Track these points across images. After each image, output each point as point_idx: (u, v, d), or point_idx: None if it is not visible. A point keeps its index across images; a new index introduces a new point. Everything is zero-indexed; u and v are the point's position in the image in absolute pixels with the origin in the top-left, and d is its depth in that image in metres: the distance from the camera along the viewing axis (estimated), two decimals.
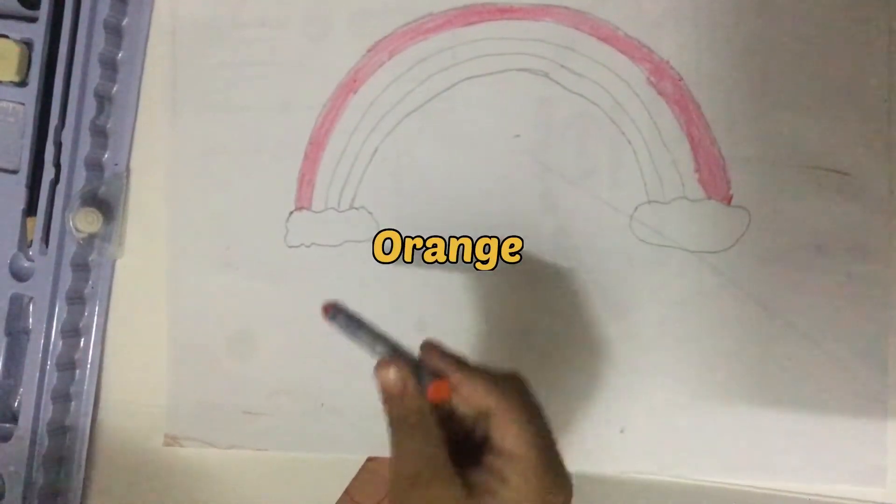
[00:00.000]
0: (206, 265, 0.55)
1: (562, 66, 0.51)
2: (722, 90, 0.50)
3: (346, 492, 0.54)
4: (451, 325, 0.52)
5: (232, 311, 0.55)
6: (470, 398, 0.37)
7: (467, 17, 0.52)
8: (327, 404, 0.53)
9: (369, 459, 0.53)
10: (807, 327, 0.49)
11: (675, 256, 0.50)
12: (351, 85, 0.53)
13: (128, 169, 0.57)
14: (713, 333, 0.50)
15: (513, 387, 0.38)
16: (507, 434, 0.36)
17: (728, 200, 0.49)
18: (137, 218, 0.57)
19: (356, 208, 0.53)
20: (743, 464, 0.49)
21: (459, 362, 0.38)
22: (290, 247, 0.54)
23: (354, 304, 0.49)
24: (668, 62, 0.50)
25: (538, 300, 0.51)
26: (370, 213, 0.53)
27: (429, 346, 0.39)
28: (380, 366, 0.38)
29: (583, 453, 0.51)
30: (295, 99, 0.54)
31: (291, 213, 0.54)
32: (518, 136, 0.51)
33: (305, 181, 0.54)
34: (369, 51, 0.53)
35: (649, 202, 0.50)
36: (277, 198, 0.54)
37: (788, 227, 0.49)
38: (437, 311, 0.52)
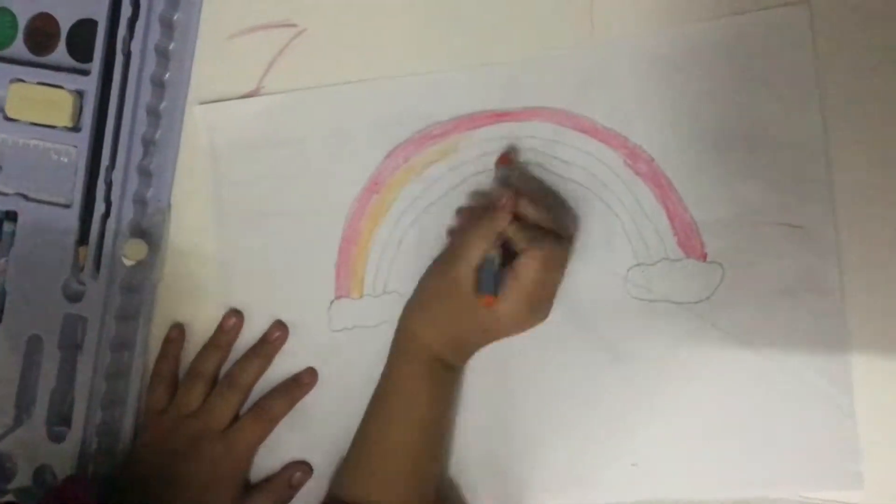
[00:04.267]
0: None
1: (553, 157, 0.58)
2: (688, 165, 0.56)
3: None
4: (477, 384, 0.58)
5: None
6: (517, 242, 0.53)
7: (469, 123, 0.59)
8: None
9: None
10: (780, 358, 0.55)
11: (664, 308, 0.56)
12: (373, 187, 0.61)
13: (169, 205, 0.63)
14: (702, 370, 0.56)
15: (547, 241, 0.53)
16: (522, 266, 0.52)
17: (703, 258, 0.56)
18: (176, 248, 0.63)
19: (388, 293, 0.60)
20: (740, 479, 0.55)
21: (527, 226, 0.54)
22: (334, 331, 0.61)
23: None
24: (640, 146, 0.57)
25: (547, 353, 0.58)
26: (401, 295, 0.59)
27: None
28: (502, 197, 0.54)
29: (598, 487, 0.57)
30: (325, 203, 0.61)
31: (332, 301, 0.61)
32: None
33: (342, 273, 0.61)
34: (386, 157, 0.60)
35: (638, 265, 0.57)
36: (318, 289, 0.61)
37: (756, 275, 0.55)
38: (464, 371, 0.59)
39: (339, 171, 0.61)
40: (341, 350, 0.61)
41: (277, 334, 0.61)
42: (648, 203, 0.57)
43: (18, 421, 0.61)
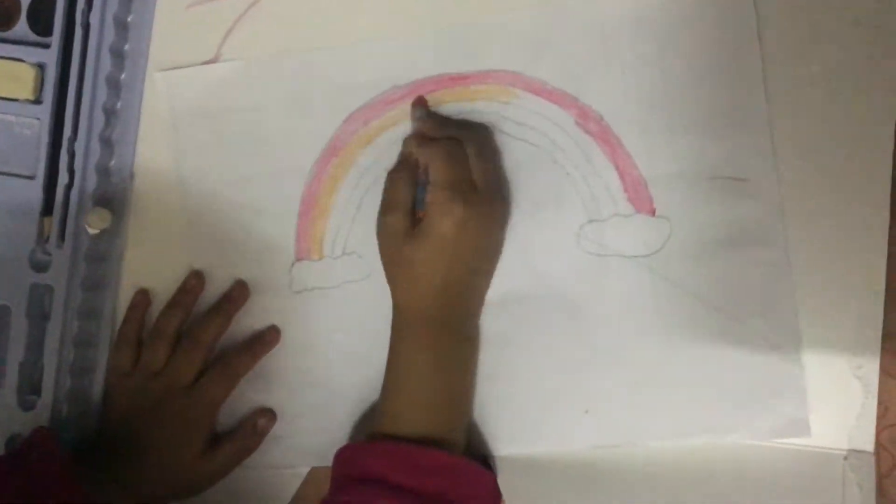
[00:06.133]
0: None
1: (505, 117, 0.59)
2: (636, 124, 0.58)
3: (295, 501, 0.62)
4: None
5: None
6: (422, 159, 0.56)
7: (426, 86, 0.60)
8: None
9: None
10: (728, 308, 0.56)
11: (616, 262, 0.58)
12: (332, 151, 0.62)
13: (132, 173, 0.65)
14: (653, 321, 0.57)
15: (441, 140, 0.55)
16: (431, 169, 0.54)
17: (653, 213, 0.57)
18: (140, 216, 0.65)
19: (348, 254, 0.62)
20: (688, 426, 0.56)
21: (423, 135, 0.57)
22: (296, 292, 0.62)
23: (356, 331, 0.60)
24: (590, 107, 0.58)
25: (506, 309, 0.59)
26: (360, 256, 0.61)
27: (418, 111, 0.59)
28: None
29: (553, 434, 0.59)
30: (285, 167, 0.62)
31: (293, 263, 0.62)
32: None
33: (302, 235, 0.62)
34: (345, 121, 0.61)
35: (590, 221, 0.58)
36: (279, 252, 0.63)
37: (703, 228, 0.56)
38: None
39: (299, 136, 0.62)
40: (302, 311, 0.62)
41: (238, 293, 0.63)
42: (599, 161, 0.59)
43: None
